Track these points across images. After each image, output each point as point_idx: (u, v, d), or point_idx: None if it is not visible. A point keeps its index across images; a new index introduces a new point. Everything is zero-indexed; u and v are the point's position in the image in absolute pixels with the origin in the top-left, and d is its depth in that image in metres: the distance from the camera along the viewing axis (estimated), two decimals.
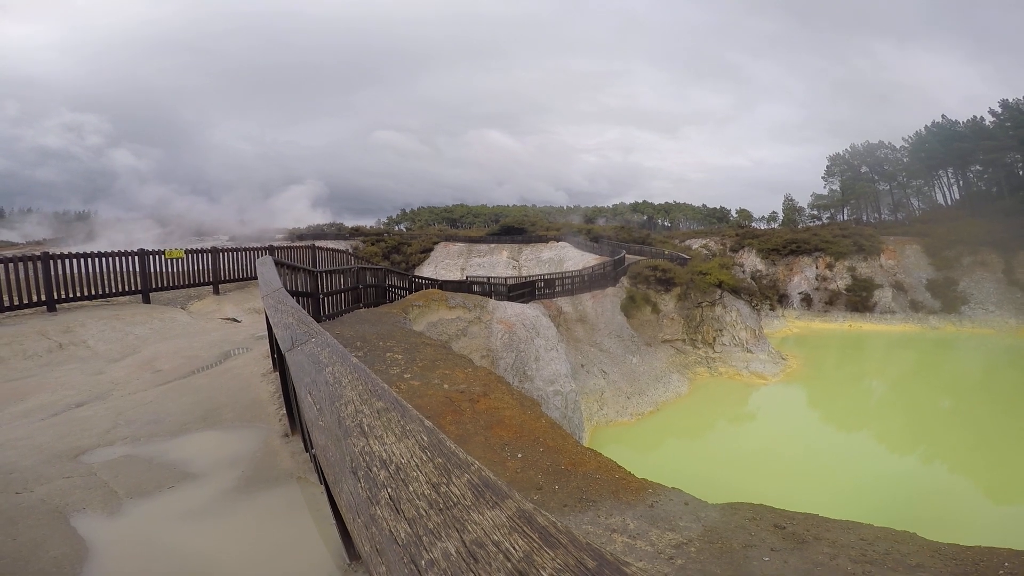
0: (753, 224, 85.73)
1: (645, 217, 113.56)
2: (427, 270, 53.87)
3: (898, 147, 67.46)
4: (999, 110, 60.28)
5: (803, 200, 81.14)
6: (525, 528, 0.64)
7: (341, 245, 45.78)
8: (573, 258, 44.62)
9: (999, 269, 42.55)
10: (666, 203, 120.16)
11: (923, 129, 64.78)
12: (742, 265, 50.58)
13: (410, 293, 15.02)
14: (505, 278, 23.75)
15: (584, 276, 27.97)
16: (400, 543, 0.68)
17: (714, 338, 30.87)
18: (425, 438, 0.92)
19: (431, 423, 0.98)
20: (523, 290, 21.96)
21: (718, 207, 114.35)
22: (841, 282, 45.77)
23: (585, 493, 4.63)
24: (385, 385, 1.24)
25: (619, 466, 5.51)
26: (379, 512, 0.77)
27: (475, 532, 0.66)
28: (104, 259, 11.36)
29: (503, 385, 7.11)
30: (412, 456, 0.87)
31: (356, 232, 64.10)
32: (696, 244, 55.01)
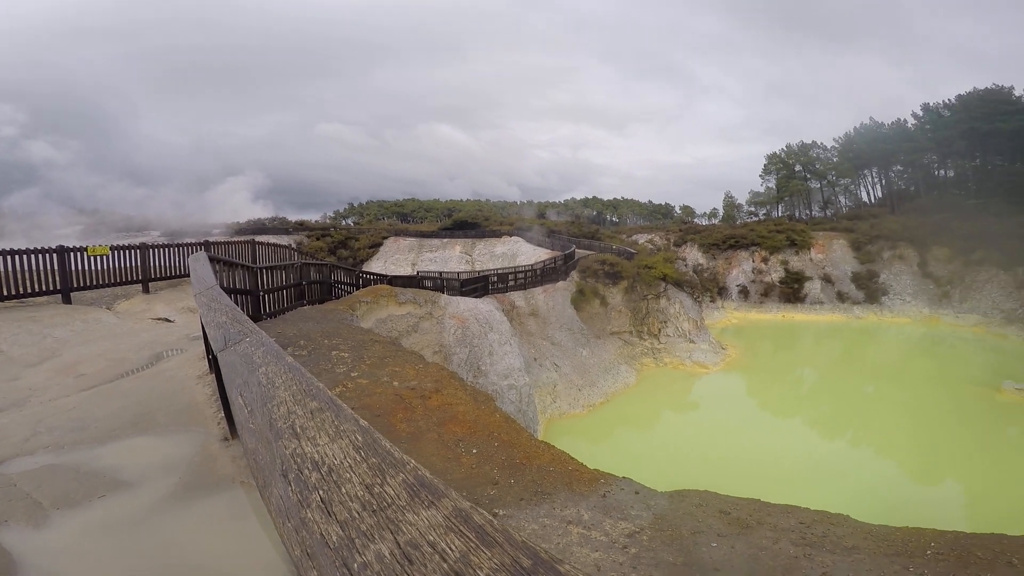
0: (695, 220, 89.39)
1: (595, 212, 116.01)
2: (376, 265, 52.68)
3: (829, 147, 72.14)
4: (920, 113, 65.74)
5: (742, 197, 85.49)
6: (462, 527, 0.63)
7: (284, 240, 44.00)
8: (526, 253, 44.93)
9: (915, 263, 46.50)
10: (614, 199, 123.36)
11: (852, 130, 69.64)
12: (685, 259, 52.66)
13: (358, 289, 14.61)
14: (458, 273, 23.56)
15: (536, 271, 28.23)
16: (332, 546, 0.67)
17: (659, 329, 32.01)
18: (360, 438, 0.89)
19: (367, 423, 0.95)
20: (476, 285, 21.88)
21: (663, 203, 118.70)
22: (775, 275, 48.57)
23: (540, 486, 4.67)
24: (321, 385, 1.19)
25: (572, 458, 5.59)
26: (310, 515, 0.75)
27: (410, 533, 0.65)
28: (18, 257, 10.38)
29: (456, 381, 7.06)
30: (346, 457, 0.85)
31: (300, 226, 61.78)
32: (642, 239, 56.77)
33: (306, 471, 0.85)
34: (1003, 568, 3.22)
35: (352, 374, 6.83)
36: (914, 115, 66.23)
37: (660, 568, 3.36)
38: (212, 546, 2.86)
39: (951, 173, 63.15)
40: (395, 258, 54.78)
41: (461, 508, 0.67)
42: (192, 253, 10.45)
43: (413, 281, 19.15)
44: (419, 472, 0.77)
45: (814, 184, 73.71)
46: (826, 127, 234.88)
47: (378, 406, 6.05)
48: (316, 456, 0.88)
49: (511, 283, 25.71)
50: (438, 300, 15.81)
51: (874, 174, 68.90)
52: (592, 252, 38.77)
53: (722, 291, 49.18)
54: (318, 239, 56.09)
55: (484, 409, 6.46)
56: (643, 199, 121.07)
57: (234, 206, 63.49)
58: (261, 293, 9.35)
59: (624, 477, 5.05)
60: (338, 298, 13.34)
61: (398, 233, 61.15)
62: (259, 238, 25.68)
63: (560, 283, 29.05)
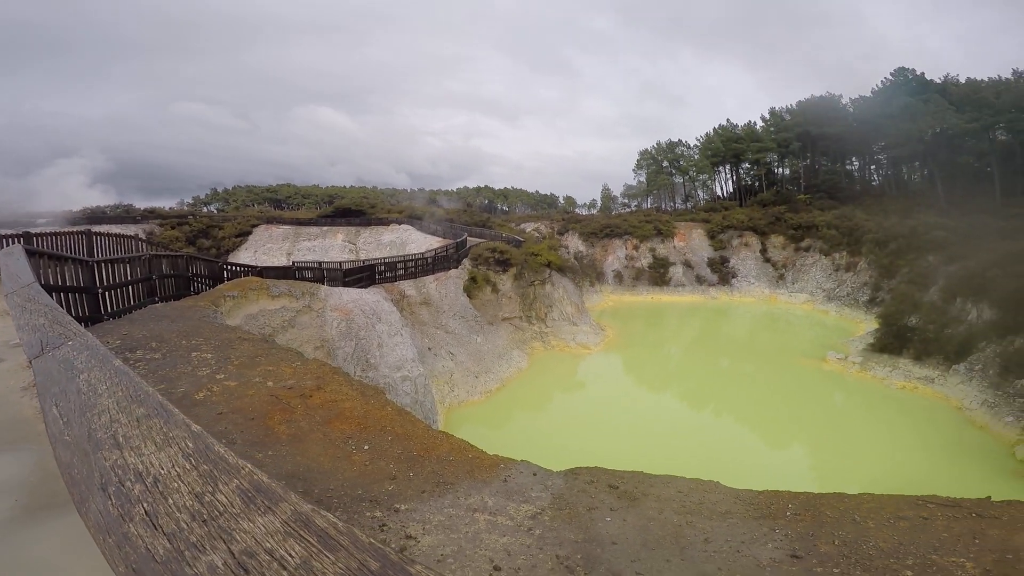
0: (577, 210, 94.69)
1: (487, 201, 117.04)
2: (244, 256, 48.05)
3: (692, 145, 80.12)
4: (767, 116, 75.58)
5: (617, 189, 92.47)
6: (302, 532, 0.61)
7: (130, 230, 38.21)
8: (416, 241, 43.98)
9: (757, 249, 53.79)
10: (505, 188, 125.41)
11: (711, 131, 77.84)
12: (567, 247, 55.49)
13: (222, 283, 13.18)
14: (340, 262, 22.32)
15: (428, 259, 27.79)
16: (159, 560, 0.62)
17: (546, 314, 33.44)
18: (190, 445, 0.81)
19: (199, 428, 0.87)
20: (361, 274, 20.93)
21: (549, 194, 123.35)
22: (645, 261, 53.24)
23: (441, 477, 4.63)
24: (151, 390, 1.05)
25: (472, 446, 5.62)
26: (133, 529, 0.69)
27: (245, 541, 0.61)
28: None
29: (340, 376, 6.71)
30: (174, 466, 0.77)
31: (151, 214, 54.19)
32: (529, 227, 58.63)
33: (128, 483, 0.78)
34: (849, 525, 3.82)
35: (218, 376, 6.17)
36: (762, 117, 76.28)
37: (564, 546, 3.51)
38: (62, 571, 2.46)
39: (787, 171, 74.03)
40: (267, 248, 50.40)
41: (301, 512, 0.65)
42: (4, 247, 8.63)
43: (288, 272, 17.75)
44: (255, 477, 0.73)
45: (678, 179, 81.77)
46: (691, 126, 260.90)
47: (251, 409, 5.55)
48: (140, 467, 0.80)
49: (401, 272, 25.02)
50: (317, 292, 14.87)
51: (727, 170, 78.19)
52: (483, 240, 39.13)
53: (600, 276, 52.70)
54: (173, 228, 50.16)
55: (374, 403, 6.24)
56: (531, 189, 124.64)
57: (65, 192, 53.52)
58: (100, 291, 8.05)
59: (523, 460, 5.19)
60: (198, 293, 11.92)
61: (271, 220, 56.20)
62: (98, 228, 21.98)
63: (452, 271, 28.94)
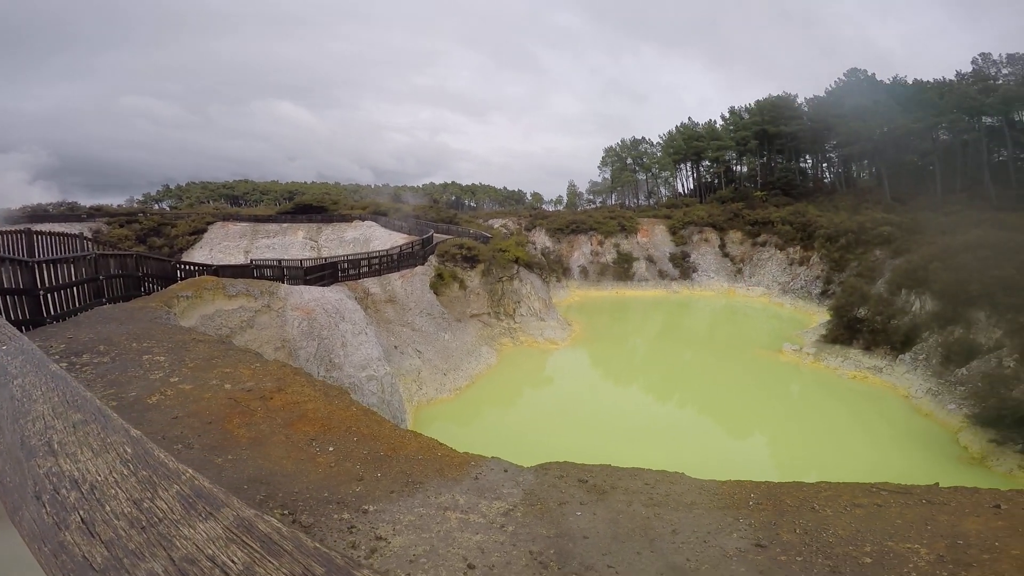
0: (544, 206, 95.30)
1: (454, 197, 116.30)
2: (199, 254, 46.22)
3: (655, 143, 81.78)
4: (727, 115, 77.76)
5: (583, 186, 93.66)
6: (244, 538, 0.60)
7: (75, 228, 36.10)
8: (381, 237, 43.26)
9: (716, 244, 55.48)
10: (472, 184, 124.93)
11: (674, 129, 79.59)
12: (534, 243, 55.83)
13: (176, 283, 12.63)
14: (301, 260, 21.75)
15: (393, 256, 27.40)
16: (97, 568, 0.60)
17: (514, 309, 33.56)
18: (129, 450, 0.78)
19: (139, 433, 0.83)
20: (323, 272, 20.45)
21: (516, 190, 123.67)
22: (609, 256, 54.14)
23: (410, 476, 4.58)
24: (89, 395, 1.01)
25: (441, 444, 5.58)
26: (69, 538, 0.67)
27: (185, 548, 0.59)
28: None
29: (302, 377, 6.54)
30: (111, 472, 0.74)
31: (97, 212, 51.72)
32: (497, 223, 58.61)
33: (64, 491, 0.75)
34: (809, 513, 3.96)
35: (172, 379, 5.91)
36: (722, 116, 78.55)
37: (537, 542, 3.52)
38: None
39: (745, 169, 76.56)
40: (223, 246, 48.61)
41: (244, 517, 0.64)
42: None
43: (246, 271, 17.17)
44: (196, 482, 0.71)
45: (641, 176, 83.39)
46: (653, 123, 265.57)
47: (208, 413, 5.35)
48: (76, 473, 0.77)
49: (365, 269, 24.59)
50: (277, 291, 14.44)
51: (688, 168, 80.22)
52: (450, 236, 38.88)
53: (566, 271, 53.28)
54: (122, 226, 48.22)
55: (338, 404, 6.11)
56: (499, 185, 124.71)
57: (1, 190, 50.18)
58: (42, 292, 7.60)
59: (493, 457, 5.19)
60: (149, 294, 11.38)
61: (227, 218, 54.20)
62: (39, 227, 20.63)
63: (418, 268, 28.63)
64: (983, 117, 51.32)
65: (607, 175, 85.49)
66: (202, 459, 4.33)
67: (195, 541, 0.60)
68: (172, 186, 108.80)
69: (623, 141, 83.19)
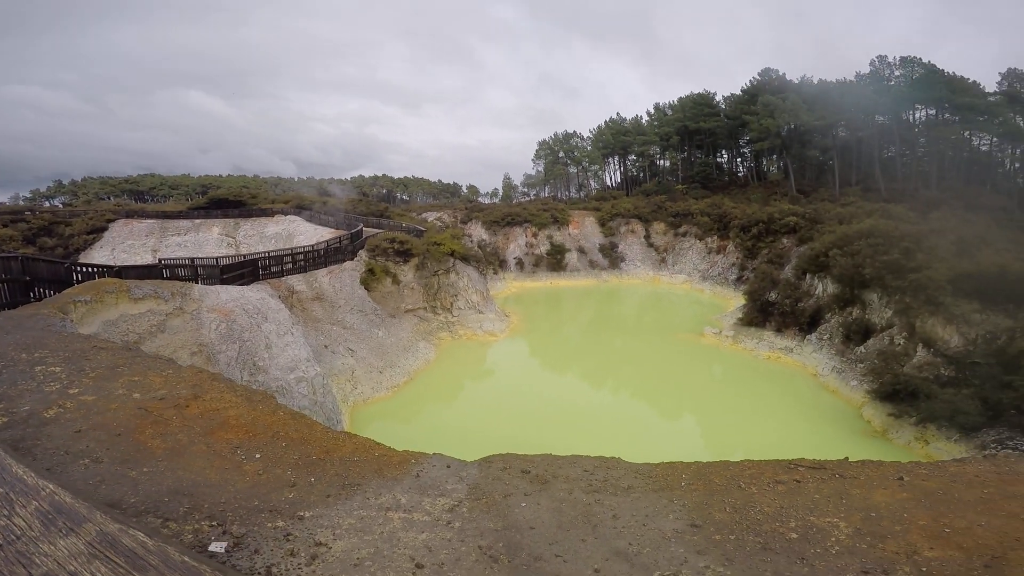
0: (480, 199, 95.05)
1: (385, 191, 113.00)
2: (100, 255, 41.88)
3: (585, 137, 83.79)
4: (652, 111, 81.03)
5: (518, 179, 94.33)
6: (108, 553, 0.57)
7: None
8: (305, 232, 41.13)
9: (642, 235, 58.01)
10: (405, 177, 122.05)
11: (603, 123, 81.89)
12: (471, 236, 55.57)
13: (72, 286, 11.24)
14: (217, 258, 20.18)
15: (319, 251, 26.12)
16: None
17: (451, 303, 33.23)
18: None
19: None
20: (242, 270, 19.08)
21: (452, 183, 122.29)
22: (543, 248, 55.09)
23: (347, 478, 4.34)
24: None
25: (378, 443, 5.35)
26: None
27: (46, 565, 0.59)
28: None
29: (221, 383, 6.01)
30: None
31: None
32: (432, 217, 57.69)
33: None
34: (736, 492, 4.14)
35: (71, 391, 5.24)
36: (648, 112, 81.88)
37: (485, 536, 3.46)
38: None
39: (668, 163, 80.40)
40: (128, 245, 44.31)
41: (107, 532, 0.62)
42: None
43: (154, 271, 15.66)
44: (56, 498, 0.69)
45: (573, 169, 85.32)
46: (584, 117, 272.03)
47: (116, 424, 4.79)
48: None
49: (288, 266, 23.25)
50: (190, 292, 13.30)
51: (616, 161, 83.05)
52: (382, 231, 37.69)
53: (503, 263, 53.56)
54: (6, 226, 43.71)
55: (263, 409, 5.68)
56: (433, 178, 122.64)
57: None
58: None
59: (435, 453, 5.04)
60: (40, 300, 10.05)
61: (130, 214, 49.49)
62: None
63: (347, 263, 27.51)
64: (876, 116, 56.90)
65: (540, 168, 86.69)
66: (114, 473, 3.88)
67: (56, 558, 0.59)
68: (66, 182, 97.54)
69: (556, 135, 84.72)
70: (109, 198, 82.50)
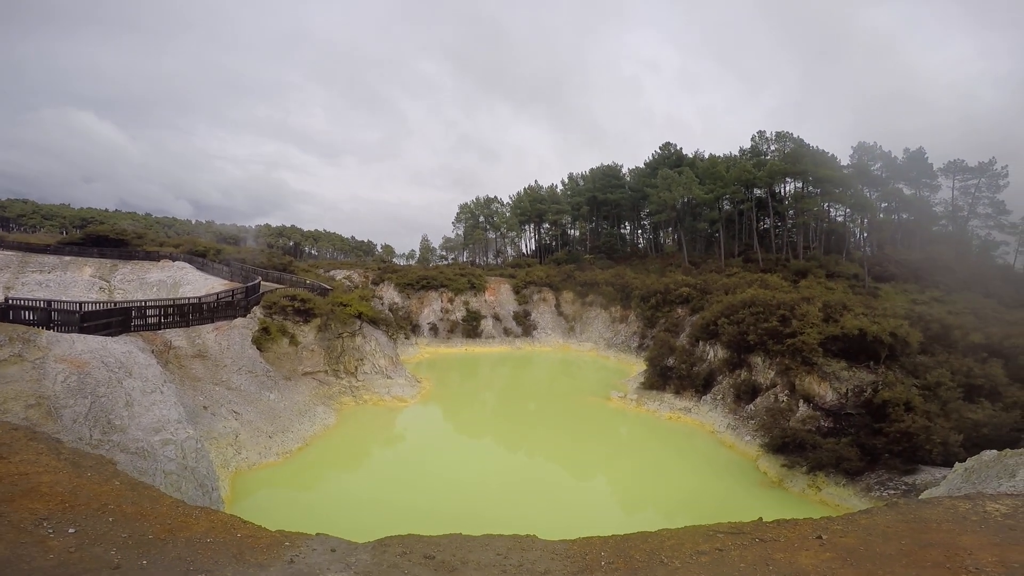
0: (395, 260, 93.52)
1: (292, 243, 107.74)
2: None
3: (505, 203, 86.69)
4: (567, 180, 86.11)
5: (436, 241, 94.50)
6: None
7: None
8: (194, 282, 37.43)
9: (553, 304, 59.75)
10: (315, 230, 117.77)
11: (522, 190, 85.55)
12: (382, 298, 53.87)
13: None
14: (81, 303, 17.51)
15: (205, 304, 23.73)
16: None
17: (356, 367, 31.27)
18: None
19: None
20: (109, 319, 16.63)
21: (366, 240, 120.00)
22: (459, 314, 54.62)
23: (193, 563, 3.52)
24: None
25: (244, 522, 4.49)
26: None
27: None
28: None
29: (40, 444, 4.85)
30: None
31: None
32: (340, 275, 55.41)
33: None
34: (659, 568, 3.87)
35: None
36: (562, 181, 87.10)
37: None
38: None
39: (578, 232, 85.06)
40: None
41: None
42: None
43: None
44: None
45: (491, 234, 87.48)
46: (501, 181, 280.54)
47: None
48: None
49: (168, 319, 20.73)
50: (36, 338, 11.27)
51: (531, 229, 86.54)
52: (282, 286, 35.27)
53: (415, 328, 52.08)
54: None
55: (92, 477, 4.60)
56: (347, 234, 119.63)
57: None
58: None
59: (318, 534, 4.32)
60: None
61: None
62: None
63: (238, 320, 25.13)
64: (755, 189, 62.93)
65: (460, 232, 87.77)
66: None
67: None
68: None
69: (478, 199, 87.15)
70: None
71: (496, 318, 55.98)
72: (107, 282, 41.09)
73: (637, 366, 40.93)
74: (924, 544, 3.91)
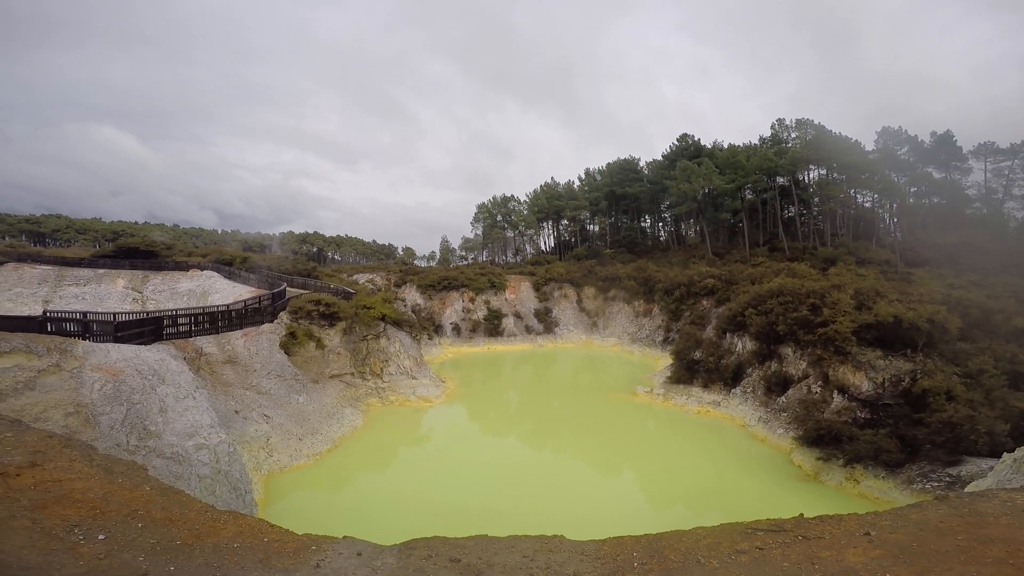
0: (416, 262, 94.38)
1: (316, 249, 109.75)
2: None
3: (522, 201, 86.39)
4: (583, 176, 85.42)
5: (456, 242, 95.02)
6: None
7: None
8: (222, 291, 38.39)
9: (574, 300, 59.33)
10: (337, 236, 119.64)
11: (538, 188, 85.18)
12: (404, 300, 54.31)
13: None
14: (115, 314, 18.12)
15: (233, 312, 24.25)
16: None
17: (381, 369, 31.59)
18: None
19: None
20: (142, 328, 17.13)
21: (387, 244, 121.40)
22: (480, 313, 54.70)
23: (220, 568, 3.52)
24: None
25: (272, 526, 4.49)
26: None
27: None
28: None
29: (74, 451, 4.95)
30: None
31: None
32: (363, 279, 56.08)
33: None
34: (696, 568, 3.69)
35: None
36: (579, 177, 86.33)
37: None
38: None
39: (597, 228, 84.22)
40: (14, 293, 39.52)
41: None
42: None
43: (31, 323, 13.72)
44: None
45: (510, 233, 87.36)
46: (516, 180, 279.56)
47: None
48: None
49: (198, 326, 21.26)
50: (73, 348, 11.64)
51: (550, 226, 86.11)
52: (307, 291, 35.89)
53: (438, 328, 52.37)
54: None
55: (123, 483, 4.67)
56: (368, 238, 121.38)
57: None
58: None
59: (345, 537, 4.28)
60: None
61: (22, 258, 44.61)
62: None
63: (266, 325, 25.64)
64: (777, 177, 61.77)
65: (479, 231, 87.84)
66: None
67: None
68: None
69: (494, 198, 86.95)
70: (4, 238, 73.48)
71: (517, 316, 55.89)
72: (139, 293, 42.48)
73: (663, 360, 40.32)
74: (983, 540, 3.63)
